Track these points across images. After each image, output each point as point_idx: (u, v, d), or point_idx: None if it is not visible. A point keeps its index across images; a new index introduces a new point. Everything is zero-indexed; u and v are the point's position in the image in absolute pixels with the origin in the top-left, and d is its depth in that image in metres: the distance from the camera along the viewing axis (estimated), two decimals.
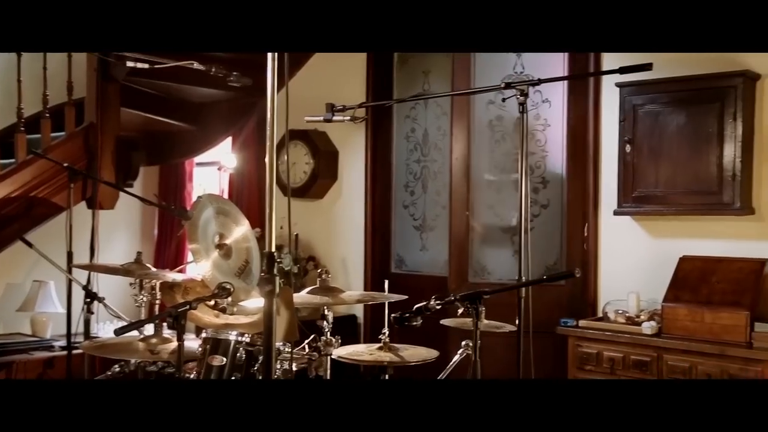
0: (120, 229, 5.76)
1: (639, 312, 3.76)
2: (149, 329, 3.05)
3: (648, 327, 3.60)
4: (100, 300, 3.37)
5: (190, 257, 5.69)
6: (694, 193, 3.68)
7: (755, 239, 3.64)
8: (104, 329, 4.66)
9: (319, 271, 2.56)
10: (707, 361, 3.39)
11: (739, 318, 3.37)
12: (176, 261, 5.77)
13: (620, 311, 3.80)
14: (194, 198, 6.08)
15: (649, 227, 3.99)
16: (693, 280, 3.62)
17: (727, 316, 3.40)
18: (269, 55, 1.82)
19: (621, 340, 3.67)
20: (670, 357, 3.50)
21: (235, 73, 3.54)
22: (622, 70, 2.51)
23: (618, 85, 3.89)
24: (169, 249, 5.97)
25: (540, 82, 2.74)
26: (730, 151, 3.57)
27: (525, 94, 2.63)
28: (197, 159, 6.03)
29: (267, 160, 1.79)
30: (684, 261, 3.73)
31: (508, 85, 2.70)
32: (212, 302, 2.55)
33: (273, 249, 1.74)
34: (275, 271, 1.71)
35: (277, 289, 1.72)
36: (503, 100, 3.05)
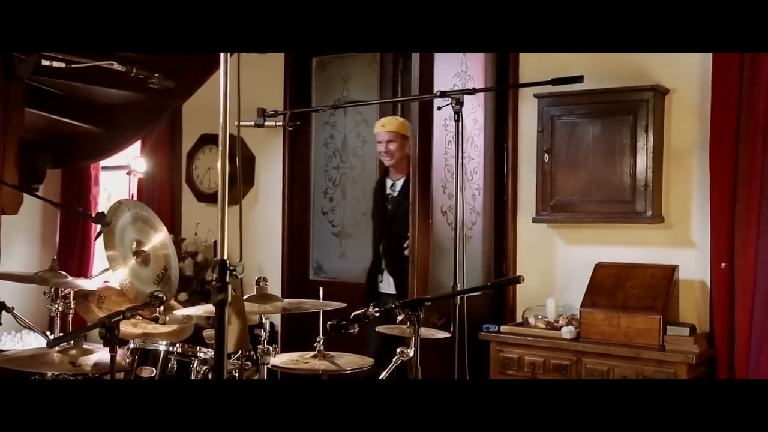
0: (19, 235, 5.44)
1: (557, 317, 3.88)
2: (36, 341, 2.88)
3: (567, 332, 3.72)
4: (9, 310, 3.16)
5: (97, 265, 5.45)
6: (609, 201, 3.83)
7: (666, 246, 3.83)
8: (11, 341, 4.38)
9: (256, 279, 2.49)
10: (623, 363, 3.53)
11: (653, 322, 3.52)
12: (81, 269, 5.51)
13: (540, 316, 3.91)
14: (100, 203, 5.84)
15: (565, 234, 4.12)
16: (608, 285, 3.76)
17: (641, 320, 3.55)
18: (222, 55, 1.76)
19: (541, 345, 3.77)
20: (589, 360, 3.63)
21: (157, 75, 3.41)
22: (554, 82, 2.59)
23: (536, 96, 4.01)
24: (73, 256, 5.69)
25: (475, 91, 2.79)
26: (642, 162, 3.74)
27: (460, 103, 2.67)
28: (104, 162, 5.79)
29: (219, 165, 1.73)
30: (599, 267, 3.87)
31: (443, 94, 2.72)
32: (144, 311, 2.44)
33: (225, 257, 1.68)
34: (228, 279, 1.65)
35: (229, 298, 1.66)
36: (438, 108, 3.08)
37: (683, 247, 3.79)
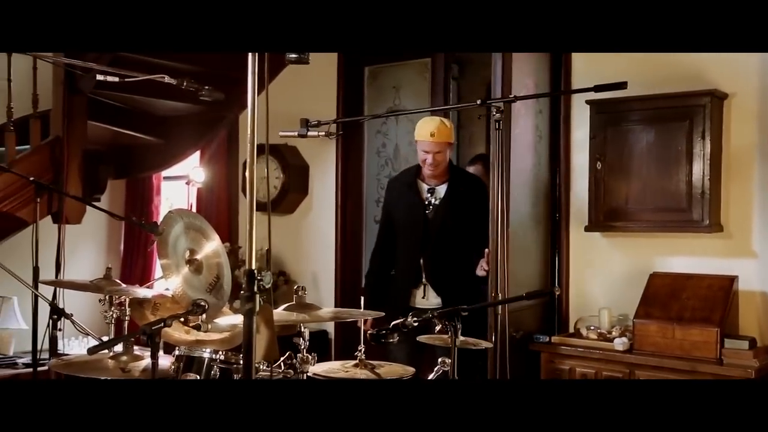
0: (86, 244, 5.65)
1: (611, 328, 3.79)
2: (119, 346, 2.97)
3: (620, 343, 3.63)
4: (68, 317, 3.28)
5: (159, 272, 5.62)
6: (664, 210, 3.73)
7: (724, 256, 3.70)
8: (70, 346, 4.54)
9: (295, 287, 2.52)
10: (678, 377, 3.42)
11: (710, 334, 3.40)
12: (143, 276, 5.67)
13: (592, 327, 3.83)
14: (161, 212, 6.00)
15: (619, 244, 4.03)
16: (663, 296, 3.65)
17: (697, 332, 3.43)
18: (249, 63, 1.79)
19: (593, 356, 3.69)
20: (642, 373, 3.53)
21: (207, 87, 3.50)
22: (597, 89, 2.53)
23: (588, 102, 3.94)
24: (136, 264, 5.86)
25: (516, 99, 2.75)
26: (699, 169, 3.63)
27: (501, 111, 2.64)
28: (165, 173, 5.95)
29: (247, 174, 1.77)
30: (654, 277, 3.76)
31: (484, 102, 2.70)
32: (186, 319, 2.49)
33: (253, 266, 1.70)
34: (255, 288, 1.68)
35: (258, 308, 1.69)
36: (479, 117, 3.06)
37: (743, 256, 3.65)
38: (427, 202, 3.82)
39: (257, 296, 1.67)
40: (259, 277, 1.68)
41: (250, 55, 1.80)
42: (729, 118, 3.72)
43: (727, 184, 3.71)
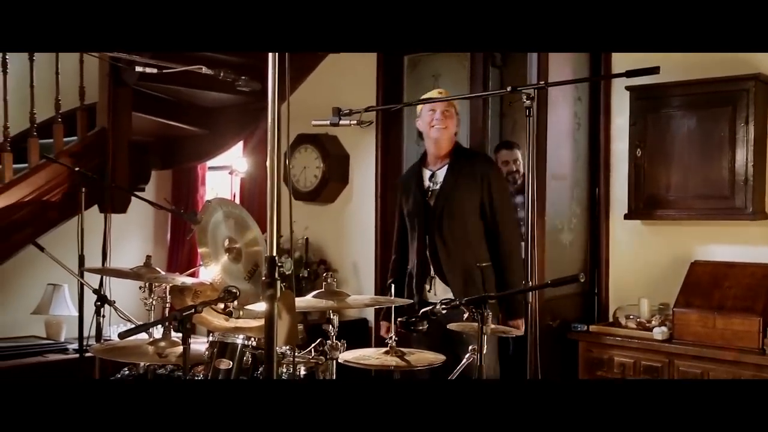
0: (133, 233, 5.80)
1: (650, 317, 3.73)
2: (158, 332, 3.06)
3: (659, 332, 3.58)
4: (111, 303, 3.39)
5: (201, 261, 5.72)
6: (706, 197, 3.65)
7: None
8: (116, 332, 4.69)
9: (324, 275, 2.56)
10: (719, 367, 3.36)
11: (752, 324, 3.33)
12: (189, 264, 5.80)
13: (631, 316, 3.78)
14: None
15: (660, 232, 3.96)
16: (705, 285, 3.58)
17: (739, 321, 3.36)
18: (270, 57, 1.82)
19: (632, 346, 3.65)
20: (682, 363, 3.47)
21: (243, 77, 3.55)
22: (629, 74, 2.49)
23: (628, 88, 3.88)
24: (181, 252, 6.00)
25: (547, 85, 2.73)
26: (742, 156, 3.54)
27: (531, 98, 2.62)
28: (209, 163, 6.06)
29: (268, 163, 1.80)
30: (695, 266, 3.69)
31: (514, 89, 2.68)
32: (219, 305, 2.55)
33: (274, 253, 1.74)
34: (276, 275, 1.71)
35: (279, 294, 1.72)
36: (510, 104, 3.04)
37: None
38: (428, 189, 3.54)
39: (278, 282, 1.70)
40: (279, 264, 1.71)
41: (270, 54, 1.82)
42: None
43: None
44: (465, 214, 3.46)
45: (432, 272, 3.48)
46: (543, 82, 2.74)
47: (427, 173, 3.58)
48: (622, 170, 3.99)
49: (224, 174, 6.23)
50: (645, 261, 3.99)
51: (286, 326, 1.80)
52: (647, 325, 3.70)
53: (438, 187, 3.51)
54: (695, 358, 3.43)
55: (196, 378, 2.94)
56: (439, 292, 3.44)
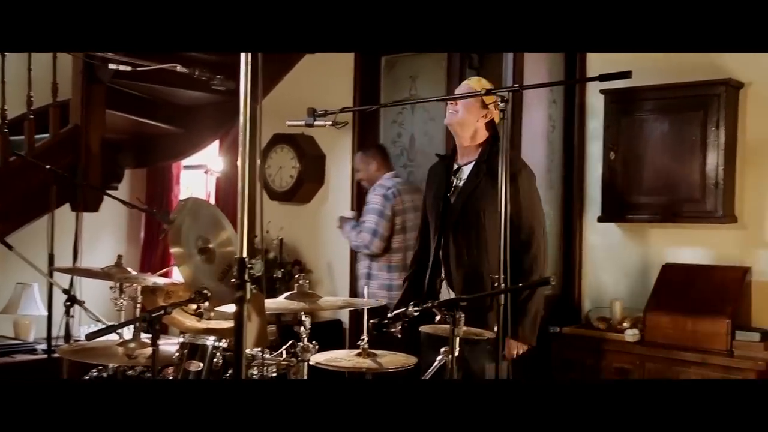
0: (105, 232, 5.74)
1: (622, 319, 3.76)
2: (128, 333, 3.03)
3: (631, 334, 3.61)
4: (80, 303, 3.35)
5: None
6: (678, 200, 3.69)
7: (738, 247, 3.65)
8: (86, 333, 4.63)
9: (296, 276, 2.54)
10: (688, 369, 3.40)
11: (721, 326, 3.37)
12: (162, 264, 5.74)
13: (603, 318, 3.81)
14: None
15: (632, 234, 3.99)
16: (676, 287, 3.62)
17: (708, 324, 3.40)
18: (242, 57, 1.81)
19: (604, 347, 3.67)
20: (652, 365, 3.51)
21: (219, 76, 3.53)
22: (602, 78, 2.50)
23: (602, 92, 3.91)
24: (155, 252, 5.95)
25: (521, 88, 2.74)
26: (713, 159, 3.58)
27: (506, 101, 2.62)
28: (184, 162, 6.02)
29: (239, 163, 1.79)
30: (667, 269, 3.73)
31: (489, 92, 2.69)
32: (190, 306, 2.53)
33: (244, 254, 1.72)
34: (246, 276, 1.70)
35: (248, 296, 1.71)
36: (484, 106, 3.04)
37: (757, 248, 3.61)
38: (450, 184, 3.24)
39: (247, 284, 1.69)
40: (249, 265, 1.69)
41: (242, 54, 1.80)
42: (745, 107, 3.66)
43: (742, 175, 3.66)
44: (485, 219, 3.08)
45: (442, 275, 3.23)
46: (518, 85, 2.74)
47: (454, 167, 3.26)
48: (596, 173, 4.02)
49: (199, 173, 6.20)
50: (618, 263, 4.02)
51: (256, 328, 1.78)
52: (619, 327, 3.73)
53: (461, 184, 3.20)
54: (666, 360, 3.47)
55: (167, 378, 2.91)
56: (445, 296, 3.16)
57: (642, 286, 3.77)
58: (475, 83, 3.15)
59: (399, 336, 2.46)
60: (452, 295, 3.16)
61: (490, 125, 3.20)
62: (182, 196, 6.10)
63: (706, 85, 3.61)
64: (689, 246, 3.78)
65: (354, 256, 5.12)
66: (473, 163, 3.19)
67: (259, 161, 1.85)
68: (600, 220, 3.95)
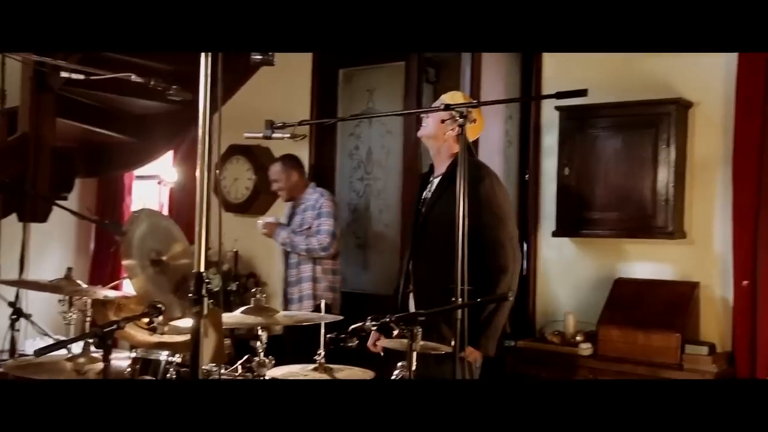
0: (54, 244, 5.60)
1: (575, 333, 3.81)
2: (77, 348, 2.94)
3: (583, 348, 3.65)
4: (27, 317, 3.25)
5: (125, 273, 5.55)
6: (630, 216, 3.76)
7: (687, 262, 3.73)
8: (33, 347, 4.49)
9: (253, 290, 2.51)
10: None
11: (671, 340, 3.44)
12: (113, 277, 5.62)
13: (557, 332, 3.85)
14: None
15: (586, 249, 4.05)
16: (627, 302, 3.68)
17: (659, 338, 3.47)
18: (202, 64, 1.78)
19: (558, 361, 3.71)
20: (605, 378, 3.55)
21: (174, 86, 3.48)
22: (559, 95, 2.54)
23: (558, 108, 3.97)
24: (106, 264, 5.82)
25: (479, 104, 2.77)
26: (664, 176, 3.66)
27: (464, 116, 2.64)
28: (137, 172, 5.92)
29: (198, 173, 1.76)
30: (619, 283, 3.80)
31: (447, 107, 2.71)
32: (143, 321, 2.47)
33: (201, 269, 1.69)
34: (203, 291, 1.67)
35: (205, 311, 1.68)
36: (442, 121, 3.06)
37: (705, 263, 3.70)
38: (423, 198, 3.26)
39: (205, 299, 1.66)
40: (207, 280, 1.66)
41: (203, 55, 1.78)
42: (693, 126, 3.76)
43: (690, 192, 3.75)
44: (445, 231, 2.89)
45: (410, 287, 3.22)
46: (477, 101, 2.77)
47: (429, 180, 3.29)
48: (551, 188, 4.07)
49: (152, 184, 6.09)
50: (571, 277, 4.08)
51: (213, 344, 1.75)
52: (572, 340, 3.77)
53: (429, 196, 3.21)
54: (618, 374, 3.51)
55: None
56: (411, 309, 3.13)
57: (595, 300, 3.82)
58: (449, 98, 3.13)
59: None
60: (412, 309, 3.15)
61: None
62: (134, 206, 6.00)
63: (657, 104, 3.70)
64: (641, 261, 3.86)
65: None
66: (440, 177, 3.20)
67: (218, 171, 1.81)
68: (554, 234, 4.01)
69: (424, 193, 3.27)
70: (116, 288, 3.84)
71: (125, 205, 5.94)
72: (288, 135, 2.95)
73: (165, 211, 5.61)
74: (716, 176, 3.68)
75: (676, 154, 3.66)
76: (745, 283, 3.46)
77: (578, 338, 3.75)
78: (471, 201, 2.87)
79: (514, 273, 3.11)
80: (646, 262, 3.84)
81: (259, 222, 4.55)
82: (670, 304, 3.57)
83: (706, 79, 3.69)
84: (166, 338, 3.24)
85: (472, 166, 3.09)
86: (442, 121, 3.06)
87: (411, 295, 3.23)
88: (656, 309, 3.58)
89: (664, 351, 3.44)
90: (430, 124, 3.21)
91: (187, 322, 2.80)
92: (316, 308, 4.26)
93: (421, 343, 2.48)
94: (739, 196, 3.51)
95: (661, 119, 3.68)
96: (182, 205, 5.59)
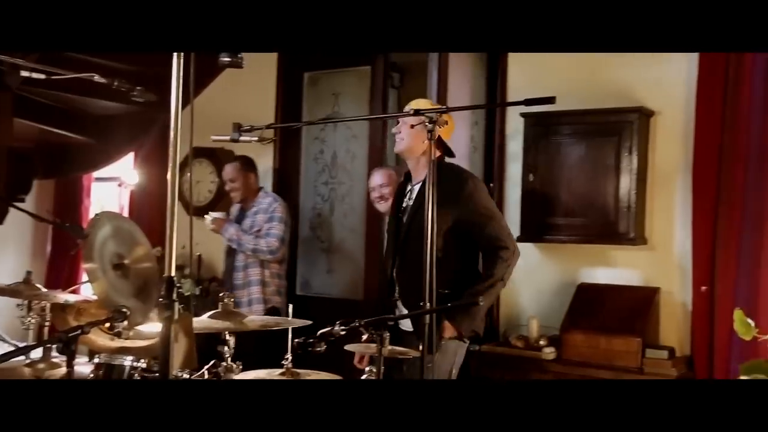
0: (8, 246, 5.46)
1: (539, 337, 3.85)
2: (37, 353, 2.88)
3: (547, 352, 3.69)
4: None
5: (84, 277, 5.47)
6: (593, 222, 3.81)
7: (648, 268, 3.80)
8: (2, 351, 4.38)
9: (221, 294, 2.48)
10: None
11: (632, 344, 3.49)
12: (70, 281, 5.51)
13: (521, 336, 3.88)
14: (92, 214, 5.85)
15: (550, 254, 4.10)
16: (590, 306, 3.74)
17: (621, 342, 3.52)
18: (174, 64, 1.76)
19: (522, 365, 3.74)
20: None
21: (138, 87, 3.42)
22: (527, 102, 2.57)
23: (523, 115, 4.01)
24: (63, 268, 5.70)
25: (448, 110, 2.78)
26: (626, 183, 3.73)
27: (433, 121, 2.65)
28: (96, 174, 5.81)
29: (169, 177, 1.73)
30: (582, 288, 3.85)
31: (416, 112, 2.71)
32: (107, 325, 2.42)
33: (172, 273, 1.67)
34: (174, 296, 1.65)
35: (176, 316, 1.65)
36: (412, 126, 3.07)
37: (665, 269, 3.77)
38: (403, 205, 3.29)
39: (175, 304, 1.63)
40: (178, 284, 1.64)
41: (175, 56, 1.75)
42: (655, 134, 3.83)
43: (651, 199, 3.82)
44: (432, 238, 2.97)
45: (396, 294, 3.22)
46: (446, 107, 2.78)
47: (408, 188, 3.31)
48: (515, 194, 4.11)
49: (112, 186, 5.99)
50: (535, 282, 4.12)
51: (183, 350, 1.73)
52: (536, 345, 3.81)
53: (410, 204, 3.23)
54: (581, 377, 3.56)
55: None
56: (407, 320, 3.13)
57: (558, 305, 3.87)
58: (424, 105, 3.10)
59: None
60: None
61: (440, 143, 3.18)
62: (93, 209, 5.89)
63: (620, 112, 3.76)
64: (603, 266, 3.92)
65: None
66: (420, 183, 3.20)
67: (189, 174, 1.79)
68: (518, 240, 4.01)
69: (405, 201, 3.27)
70: (74, 292, 3.77)
71: (83, 208, 5.83)
72: (256, 138, 2.92)
73: (125, 214, 5.51)
74: (676, 184, 3.76)
75: (638, 162, 3.72)
76: (703, 288, 3.53)
77: (542, 342, 3.79)
78: (456, 206, 3.05)
79: (511, 261, 3.15)
80: (609, 268, 3.90)
81: (207, 217, 4.49)
82: (631, 309, 3.64)
83: (667, 88, 3.77)
84: (128, 343, 3.19)
85: (454, 171, 3.24)
86: (412, 126, 3.10)
87: (399, 303, 3.22)
88: (618, 314, 3.64)
89: (625, 355, 3.49)
90: (405, 138, 3.20)
91: (152, 327, 2.77)
92: (268, 312, 4.31)
93: (389, 347, 2.49)
94: (699, 204, 3.59)
95: (623, 127, 3.75)
96: (143, 208, 5.51)
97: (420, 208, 3.09)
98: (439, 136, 3.12)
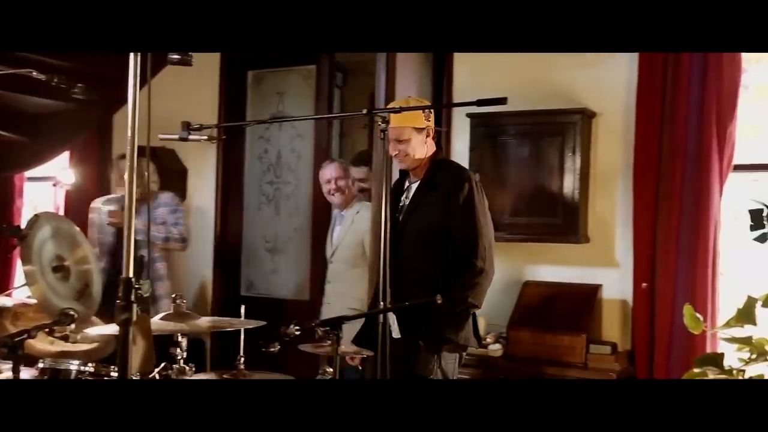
0: None
1: (486, 335, 3.89)
2: None
3: (494, 349, 3.74)
4: None
5: (20, 281, 5.27)
6: (537, 221, 3.88)
7: (591, 266, 3.89)
8: None
9: (173, 296, 2.43)
10: None
11: (577, 341, 3.58)
12: (3, 284, 5.30)
13: None
14: (24, 215, 5.64)
15: (496, 253, 4.13)
16: (536, 304, 3.81)
17: (566, 339, 3.60)
18: (131, 62, 1.71)
19: (468, 362, 3.77)
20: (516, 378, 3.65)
21: (79, 85, 3.32)
22: (479, 103, 2.60)
23: (469, 115, 4.06)
24: None
25: (402, 110, 2.79)
26: (570, 183, 3.81)
27: (387, 121, 2.66)
28: (28, 173, 5.61)
29: (126, 177, 1.69)
30: (527, 286, 3.92)
31: (369, 112, 2.72)
32: (53, 329, 2.35)
33: (131, 274, 1.62)
34: (132, 297, 1.60)
35: (134, 317, 1.61)
36: (364, 126, 3.07)
37: (607, 266, 3.87)
38: (400, 205, 3.14)
39: (134, 306, 1.59)
40: (137, 286, 1.60)
41: (131, 55, 1.71)
42: (596, 135, 3.93)
43: (593, 198, 3.92)
44: (425, 238, 3.01)
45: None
46: (399, 107, 2.79)
47: (405, 185, 3.19)
48: None
49: (46, 185, 5.79)
50: None
51: (141, 352, 1.68)
52: (483, 342, 3.85)
53: (408, 203, 3.12)
54: (527, 374, 3.62)
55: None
56: (391, 323, 2.91)
57: (505, 302, 3.92)
58: (415, 102, 3.12)
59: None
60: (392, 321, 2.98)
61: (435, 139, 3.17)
62: (25, 209, 5.68)
63: (563, 113, 3.84)
64: (548, 264, 3.99)
65: (219, 274, 4.99)
66: (418, 182, 3.13)
67: (146, 174, 1.74)
68: None
69: (402, 200, 3.16)
70: (8, 296, 3.64)
71: (15, 208, 5.62)
72: (205, 137, 2.88)
73: (61, 214, 5.34)
74: (618, 183, 3.86)
75: (581, 162, 3.81)
76: (644, 285, 3.63)
77: (488, 340, 3.84)
78: (449, 206, 2.99)
79: (482, 285, 3.07)
80: (553, 266, 3.97)
81: (103, 209, 4.31)
82: (575, 306, 3.72)
83: (609, 91, 3.87)
84: (69, 347, 3.10)
85: (455, 171, 3.16)
86: (418, 132, 3.05)
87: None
88: (563, 311, 3.71)
89: (570, 351, 3.57)
90: (410, 151, 3.05)
91: (97, 330, 2.69)
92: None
93: (342, 347, 2.48)
94: (639, 203, 3.70)
95: (567, 128, 3.83)
96: (80, 208, 5.33)
97: (417, 208, 3.06)
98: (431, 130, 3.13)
